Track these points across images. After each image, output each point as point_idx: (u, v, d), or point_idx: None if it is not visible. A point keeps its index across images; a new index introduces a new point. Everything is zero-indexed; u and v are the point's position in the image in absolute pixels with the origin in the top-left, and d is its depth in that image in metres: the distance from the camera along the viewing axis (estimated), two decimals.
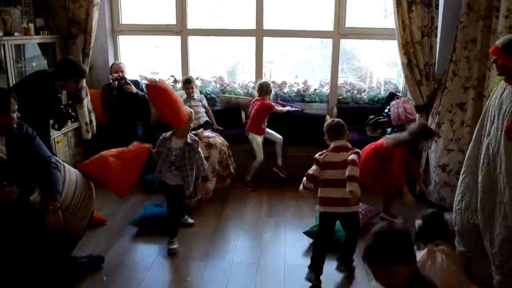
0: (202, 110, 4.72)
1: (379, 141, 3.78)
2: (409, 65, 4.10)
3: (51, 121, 3.73)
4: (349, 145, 2.96)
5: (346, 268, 3.04)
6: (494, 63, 2.63)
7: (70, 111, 3.78)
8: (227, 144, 4.34)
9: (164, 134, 3.37)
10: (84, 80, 3.73)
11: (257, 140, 4.56)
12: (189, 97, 4.67)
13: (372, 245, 1.67)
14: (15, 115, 2.69)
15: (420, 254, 2.37)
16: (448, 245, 2.44)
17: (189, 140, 3.29)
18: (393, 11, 4.09)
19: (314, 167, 2.95)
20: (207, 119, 4.74)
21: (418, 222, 2.58)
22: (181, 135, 3.28)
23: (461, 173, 2.92)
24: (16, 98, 2.73)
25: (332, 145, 2.95)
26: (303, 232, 3.51)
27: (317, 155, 2.96)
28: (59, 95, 3.63)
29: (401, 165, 3.53)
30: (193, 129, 4.52)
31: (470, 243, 2.87)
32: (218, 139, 4.26)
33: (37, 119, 3.26)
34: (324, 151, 2.95)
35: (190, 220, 3.72)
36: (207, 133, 4.29)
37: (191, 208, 3.94)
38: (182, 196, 3.43)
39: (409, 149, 3.58)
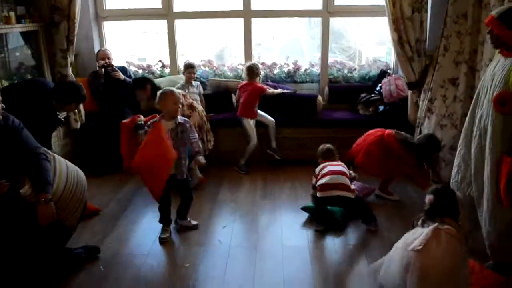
0: (198, 98, 4.61)
1: (387, 131, 3.75)
2: (400, 42, 4.06)
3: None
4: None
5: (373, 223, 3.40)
6: (489, 34, 2.59)
7: (59, 116, 3.70)
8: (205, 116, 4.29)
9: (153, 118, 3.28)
10: None
11: (250, 123, 4.52)
12: (188, 82, 4.56)
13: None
14: (0, 106, 2.61)
15: (424, 232, 2.35)
16: (455, 224, 2.40)
17: (180, 120, 3.21)
18: None
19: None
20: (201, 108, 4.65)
21: (429, 197, 2.52)
22: (170, 117, 3.19)
23: (458, 145, 2.92)
24: None
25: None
26: (301, 208, 3.59)
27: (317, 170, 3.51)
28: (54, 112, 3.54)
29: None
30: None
31: (466, 216, 2.88)
32: (199, 107, 4.24)
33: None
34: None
35: (194, 222, 3.49)
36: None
37: None
38: (186, 194, 3.37)
39: (415, 157, 3.67)
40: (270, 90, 4.66)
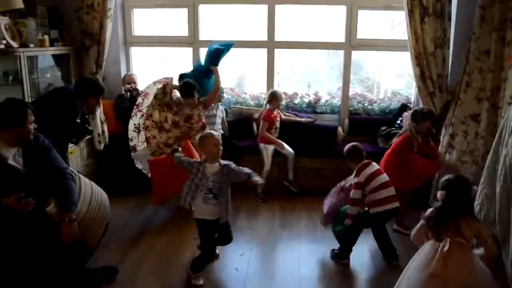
0: (219, 121, 4.71)
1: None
2: (422, 77, 4.10)
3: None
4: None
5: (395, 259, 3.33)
6: None
7: (87, 125, 3.83)
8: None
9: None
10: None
11: (267, 150, 4.57)
12: (215, 104, 4.64)
13: None
14: (31, 126, 2.71)
15: (436, 250, 2.27)
16: (473, 221, 2.29)
17: (223, 162, 3.04)
18: (406, 23, 4.10)
19: (357, 191, 3.22)
20: (223, 132, 4.74)
21: (440, 192, 2.38)
22: (212, 159, 3.01)
23: (480, 184, 2.90)
24: (33, 109, 2.75)
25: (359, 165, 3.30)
26: (333, 230, 3.45)
27: (354, 180, 3.26)
28: (80, 113, 3.61)
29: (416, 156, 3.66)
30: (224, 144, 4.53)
31: None
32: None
33: (57, 136, 3.25)
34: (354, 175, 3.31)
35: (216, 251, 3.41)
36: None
37: None
38: (227, 236, 3.22)
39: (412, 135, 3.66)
40: (284, 117, 4.74)
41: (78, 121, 3.71)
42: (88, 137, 4.31)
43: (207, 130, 4.32)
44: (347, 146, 3.44)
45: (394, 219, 3.87)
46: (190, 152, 3.80)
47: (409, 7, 4.02)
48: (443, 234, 2.31)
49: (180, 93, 4.27)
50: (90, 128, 4.01)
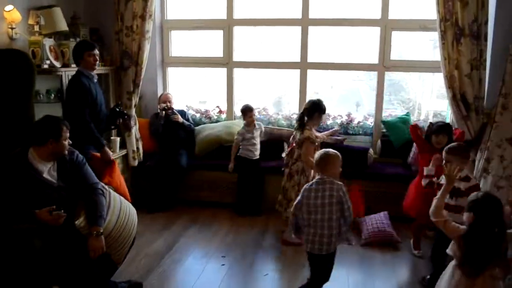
0: (258, 140, 4.70)
1: None
2: (455, 99, 4.01)
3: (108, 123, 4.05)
4: None
5: None
6: None
7: (122, 110, 4.07)
8: None
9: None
10: (97, 52, 3.86)
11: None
12: (250, 125, 4.65)
13: None
14: (66, 142, 2.85)
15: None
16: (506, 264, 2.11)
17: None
18: (439, 45, 4.04)
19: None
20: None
21: (467, 215, 2.17)
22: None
23: None
24: (68, 126, 2.89)
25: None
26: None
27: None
28: (90, 83, 3.77)
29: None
30: (247, 164, 4.61)
31: None
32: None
33: (79, 116, 3.57)
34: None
35: None
36: None
37: None
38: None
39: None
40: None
41: (114, 107, 4.11)
42: (126, 120, 4.48)
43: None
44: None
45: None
46: None
47: (442, 28, 3.97)
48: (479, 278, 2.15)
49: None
50: (125, 111, 4.28)
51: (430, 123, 3.80)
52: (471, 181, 3.00)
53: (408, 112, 5.17)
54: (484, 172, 3.89)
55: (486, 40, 3.94)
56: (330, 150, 2.92)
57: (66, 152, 2.87)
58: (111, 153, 3.83)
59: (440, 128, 3.59)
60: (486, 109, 4.05)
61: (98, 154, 3.58)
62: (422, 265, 3.58)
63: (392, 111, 5.46)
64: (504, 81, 3.78)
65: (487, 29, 3.94)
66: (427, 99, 6.21)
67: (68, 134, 2.88)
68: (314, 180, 2.87)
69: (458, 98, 3.99)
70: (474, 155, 4.07)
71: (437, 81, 5.80)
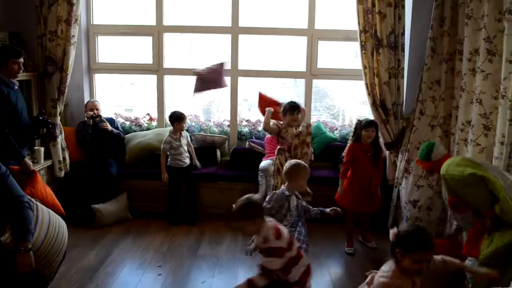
0: (186, 149, 4.67)
1: None
2: (374, 105, 4.28)
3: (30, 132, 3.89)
4: None
5: None
6: None
7: (46, 118, 3.91)
8: None
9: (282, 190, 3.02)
10: (23, 60, 3.70)
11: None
12: (176, 134, 4.56)
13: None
14: None
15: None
16: None
17: (297, 193, 3.04)
18: (360, 54, 4.30)
19: None
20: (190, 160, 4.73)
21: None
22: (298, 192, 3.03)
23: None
24: None
25: None
26: None
27: None
28: (9, 91, 3.59)
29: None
30: (177, 172, 4.56)
31: None
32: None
33: None
34: None
35: None
36: None
37: None
38: None
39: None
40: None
41: (37, 115, 3.96)
42: (51, 129, 4.32)
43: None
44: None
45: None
46: None
47: (362, 39, 4.23)
48: None
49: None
50: (50, 120, 4.12)
51: (358, 120, 4.09)
52: None
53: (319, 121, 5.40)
54: (405, 172, 4.18)
55: (403, 50, 4.25)
56: (301, 162, 3.07)
57: None
58: (31, 163, 3.62)
59: (369, 124, 3.99)
60: (405, 114, 4.37)
61: (16, 167, 3.37)
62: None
63: (318, 117, 5.69)
64: (420, 89, 4.10)
65: (404, 40, 4.25)
66: (350, 105, 6.55)
67: None
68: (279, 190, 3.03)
69: (377, 104, 4.26)
70: (395, 157, 4.37)
71: (359, 88, 6.14)
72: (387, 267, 2.18)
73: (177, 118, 4.53)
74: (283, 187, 3.05)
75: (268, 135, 4.82)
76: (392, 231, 2.17)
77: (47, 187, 3.40)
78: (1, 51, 3.61)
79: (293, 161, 3.12)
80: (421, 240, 2.07)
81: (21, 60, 3.64)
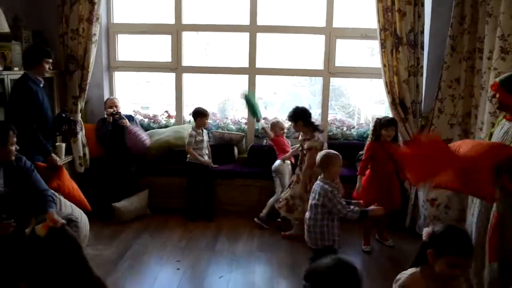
0: (206, 145, 4.76)
1: None
2: (393, 103, 4.27)
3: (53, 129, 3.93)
4: None
5: None
6: (494, 97, 2.79)
7: (68, 116, 3.99)
8: None
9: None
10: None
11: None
12: (199, 128, 4.66)
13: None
14: (13, 147, 2.75)
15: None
16: None
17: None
18: (379, 53, 4.29)
19: None
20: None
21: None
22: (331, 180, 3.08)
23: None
24: (15, 131, 2.78)
25: None
26: None
27: None
28: (37, 88, 3.67)
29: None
30: (196, 168, 4.62)
31: None
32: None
33: (25, 122, 3.42)
34: None
35: None
36: None
37: None
38: None
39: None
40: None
41: (60, 113, 4.03)
42: (72, 126, 4.39)
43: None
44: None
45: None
46: None
47: (382, 37, 4.22)
48: None
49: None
50: (71, 117, 4.21)
51: (378, 118, 4.04)
52: None
53: None
54: None
55: (422, 48, 4.24)
56: (331, 150, 3.15)
57: (13, 158, 2.76)
58: (58, 159, 3.70)
59: (389, 122, 3.91)
60: (424, 112, 4.35)
61: (43, 164, 3.45)
62: None
63: (334, 115, 5.68)
64: (440, 87, 4.08)
65: (423, 38, 4.24)
66: (366, 104, 6.53)
67: (15, 139, 2.78)
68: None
69: (396, 103, 4.25)
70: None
71: (375, 87, 6.12)
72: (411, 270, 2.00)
73: (200, 114, 4.62)
74: (319, 180, 3.09)
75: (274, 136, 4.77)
76: (426, 230, 1.97)
77: (73, 182, 3.47)
78: (36, 50, 3.70)
79: (323, 151, 3.19)
80: (462, 243, 1.87)
81: (51, 60, 3.75)
